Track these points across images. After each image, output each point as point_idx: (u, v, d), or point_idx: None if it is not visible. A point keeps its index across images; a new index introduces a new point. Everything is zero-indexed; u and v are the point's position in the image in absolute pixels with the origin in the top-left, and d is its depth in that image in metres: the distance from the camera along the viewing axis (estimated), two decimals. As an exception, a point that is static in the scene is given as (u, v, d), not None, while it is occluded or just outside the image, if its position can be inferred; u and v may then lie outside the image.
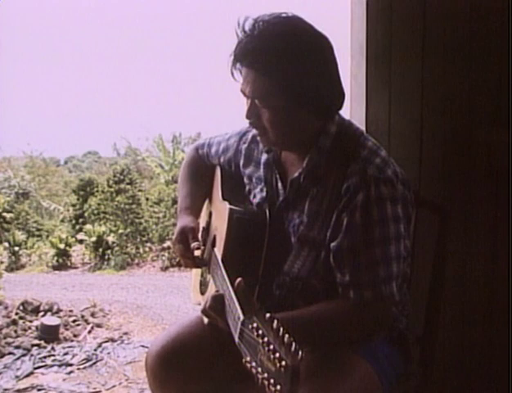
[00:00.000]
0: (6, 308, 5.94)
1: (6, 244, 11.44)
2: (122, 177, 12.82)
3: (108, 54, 37.34)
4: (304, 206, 1.31)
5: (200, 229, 1.53)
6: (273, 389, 0.86)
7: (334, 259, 1.25)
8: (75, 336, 5.52)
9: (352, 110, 1.90)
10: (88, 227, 11.92)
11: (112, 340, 5.43)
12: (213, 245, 1.45)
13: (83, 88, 37.44)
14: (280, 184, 1.39)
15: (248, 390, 1.46)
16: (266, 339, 0.90)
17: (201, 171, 1.65)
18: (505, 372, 1.91)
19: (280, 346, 0.86)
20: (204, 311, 1.21)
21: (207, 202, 1.66)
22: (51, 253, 11.60)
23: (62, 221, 13.99)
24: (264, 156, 1.44)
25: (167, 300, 7.89)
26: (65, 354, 4.93)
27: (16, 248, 11.58)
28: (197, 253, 1.46)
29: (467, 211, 1.88)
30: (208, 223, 1.58)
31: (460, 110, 1.87)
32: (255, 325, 0.94)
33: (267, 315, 0.92)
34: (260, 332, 0.92)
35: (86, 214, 12.60)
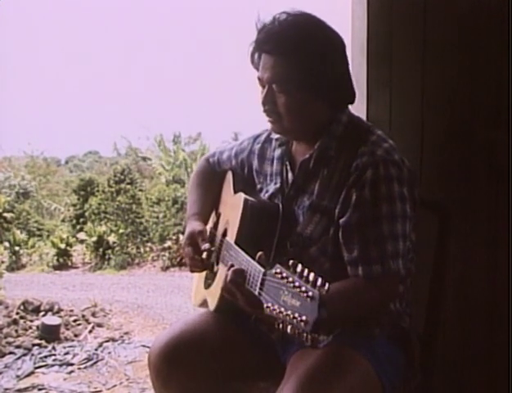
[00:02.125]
0: (6, 307, 5.93)
1: (7, 244, 11.42)
2: (122, 177, 12.83)
3: (109, 53, 37.38)
4: (314, 188, 1.35)
5: (208, 230, 1.55)
6: (298, 320, 0.88)
7: (342, 235, 1.28)
8: (76, 335, 5.52)
9: (353, 109, 1.90)
10: (89, 227, 11.92)
11: (113, 339, 5.43)
12: (224, 235, 1.47)
13: (84, 88, 37.49)
14: (290, 174, 1.42)
15: (250, 388, 1.47)
16: (290, 279, 0.92)
17: (210, 179, 1.69)
18: (506, 372, 1.91)
19: (306, 283, 0.89)
20: (224, 287, 1.20)
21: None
22: (52, 253, 11.59)
23: (63, 221, 14.00)
24: (277, 152, 1.48)
25: (167, 300, 7.88)
26: (66, 353, 4.92)
27: (17, 248, 11.57)
28: (205, 256, 1.47)
29: (467, 211, 1.88)
30: (216, 224, 1.61)
31: (461, 110, 1.87)
32: (278, 270, 0.97)
33: (291, 261, 0.95)
34: (284, 274, 0.94)
35: (86, 214, 12.60)
